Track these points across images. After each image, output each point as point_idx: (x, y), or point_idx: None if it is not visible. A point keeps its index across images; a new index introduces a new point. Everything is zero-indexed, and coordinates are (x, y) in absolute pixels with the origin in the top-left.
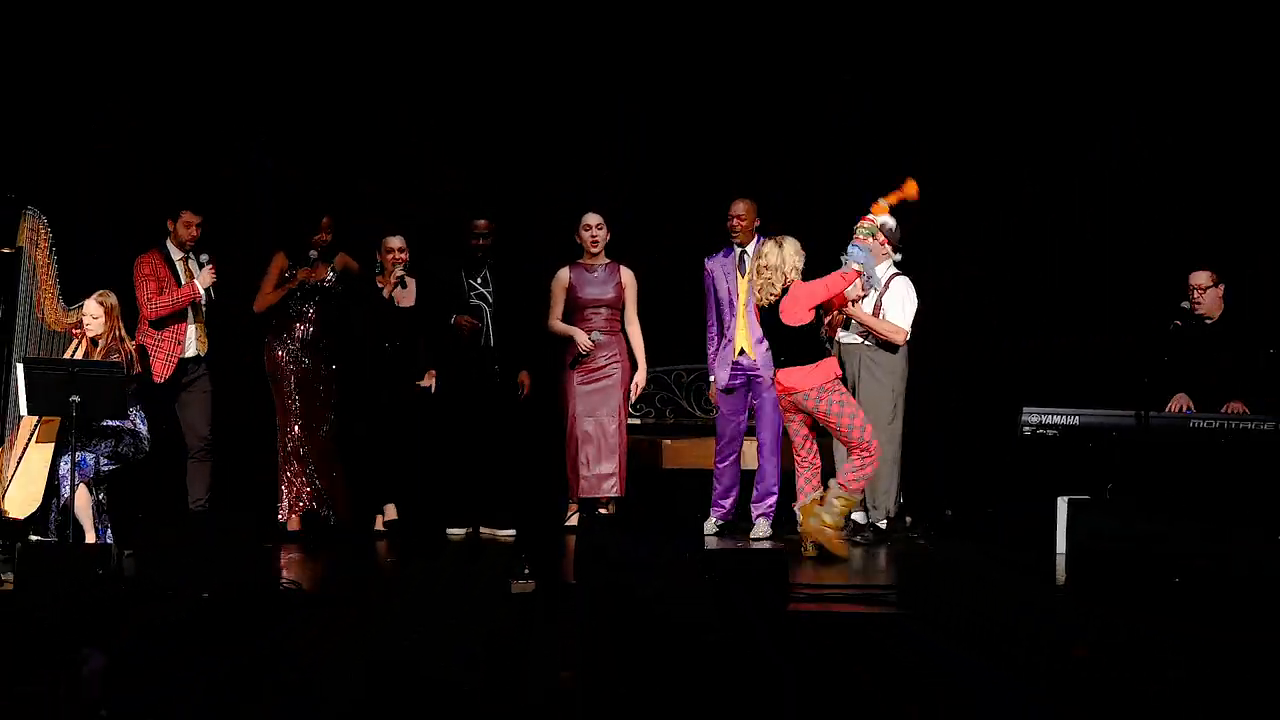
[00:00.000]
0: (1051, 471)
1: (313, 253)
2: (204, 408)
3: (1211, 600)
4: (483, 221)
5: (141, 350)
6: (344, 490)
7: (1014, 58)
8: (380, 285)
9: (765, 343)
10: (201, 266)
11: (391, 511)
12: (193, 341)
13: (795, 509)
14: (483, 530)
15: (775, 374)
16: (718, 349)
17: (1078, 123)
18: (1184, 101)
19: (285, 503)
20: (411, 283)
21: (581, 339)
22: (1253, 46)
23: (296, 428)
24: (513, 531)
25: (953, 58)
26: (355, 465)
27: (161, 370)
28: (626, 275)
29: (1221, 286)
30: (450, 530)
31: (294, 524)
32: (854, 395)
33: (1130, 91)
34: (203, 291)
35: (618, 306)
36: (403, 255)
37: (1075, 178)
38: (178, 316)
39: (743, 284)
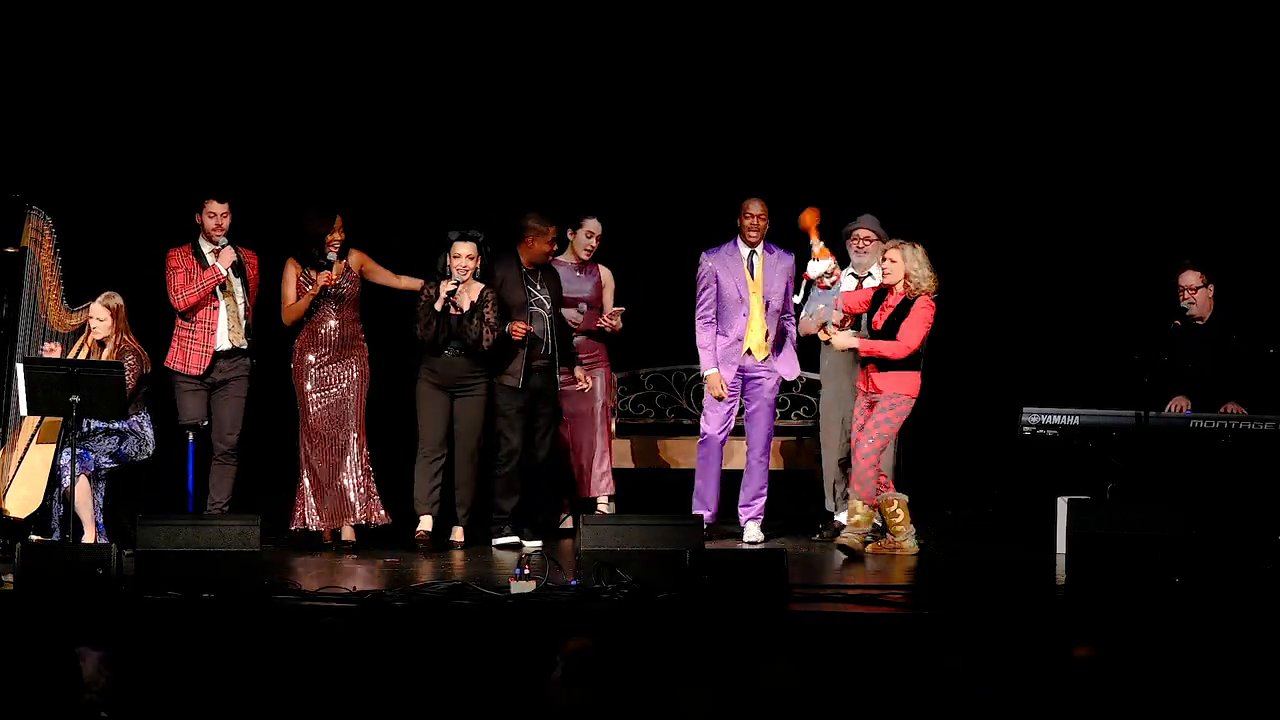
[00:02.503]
0: (1051, 471)
1: (331, 255)
2: (235, 411)
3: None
4: (552, 228)
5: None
6: (372, 499)
7: (1011, 57)
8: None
9: (776, 344)
10: (222, 248)
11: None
12: (224, 332)
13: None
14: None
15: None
16: (715, 345)
17: (1075, 120)
18: (1181, 100)
19: (300, 510)
20: (476, 289)
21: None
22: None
23: (319, 434)
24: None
25: (950, 57)
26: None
27: (199, 362)
28: (605, 274)
29: (1211, 286)
30: (498, 542)
31: (327, 536)
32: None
33: (1126, 91)
34: (224, 271)
35: (596, 306)
36: (471, 262)
37: (1075, 175)
38: (208, 308)
39: (754, 284)
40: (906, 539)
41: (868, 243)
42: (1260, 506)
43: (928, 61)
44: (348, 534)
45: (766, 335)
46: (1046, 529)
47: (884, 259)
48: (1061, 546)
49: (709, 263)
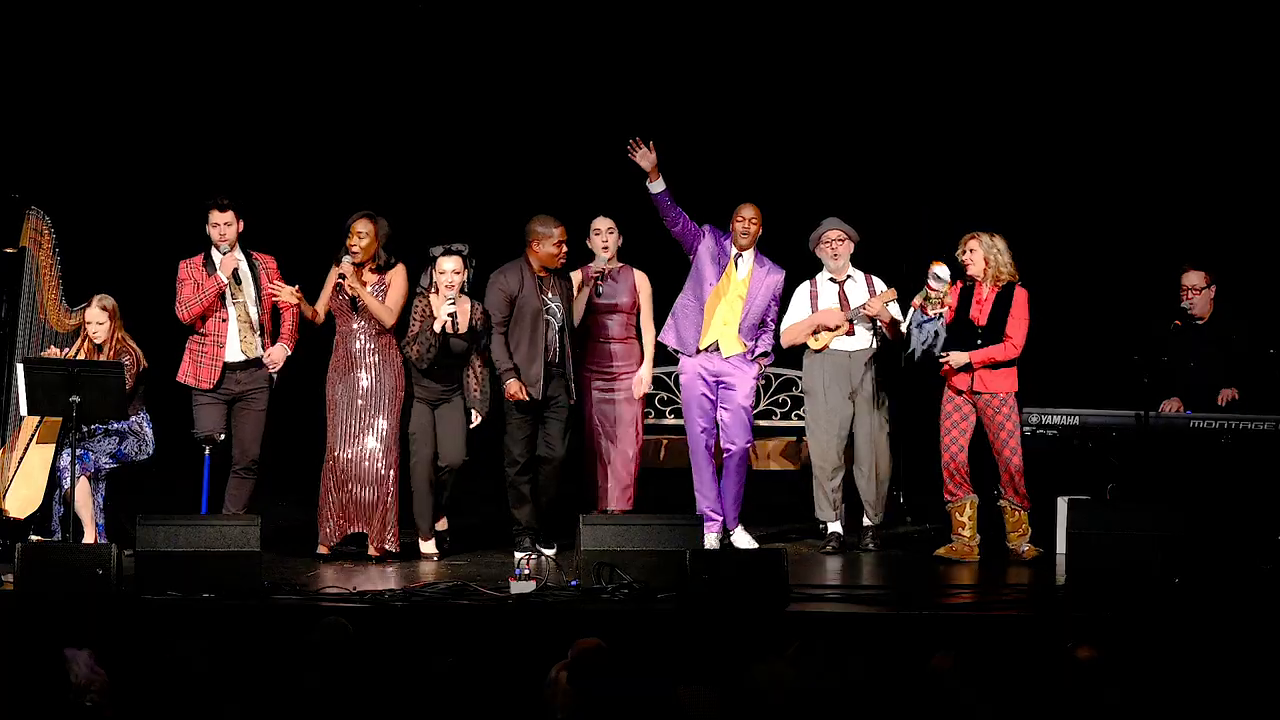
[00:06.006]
0: (1051, 471)
1: (349, 258)
2: (255, 425)
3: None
4: (559, 229)
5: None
6: (387, 515)
7: (1013, 58)
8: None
9: (757, 350)
10: (224, 255)
11: (443, 523)
12: (235, 343)
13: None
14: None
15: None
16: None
17: (1076, 122)
18: (1182, 101)
19: (327, 526)
20: (466, 305)
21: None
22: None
23: (340, 446)
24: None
25: (951, 58)
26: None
27: (209, 375)
28: (641, 278)
29: (1214, 287)
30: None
31: (323, 548)
32: (876, 401)
33: (1128, 92)
34: (224, 279)
35: (632, 311)
36: (458, 277)
37: (1075, 176)
38: (216, 319)
39: (738, 285)
40: (976, 543)
41: (840, 244)
42: (1260, 506)
43: (927, 62)
44: (373, 550)
45: (747, 337)
46: (1046, 529)
47: (962, 250)
48: (1061, 546)
49: (707, 233)
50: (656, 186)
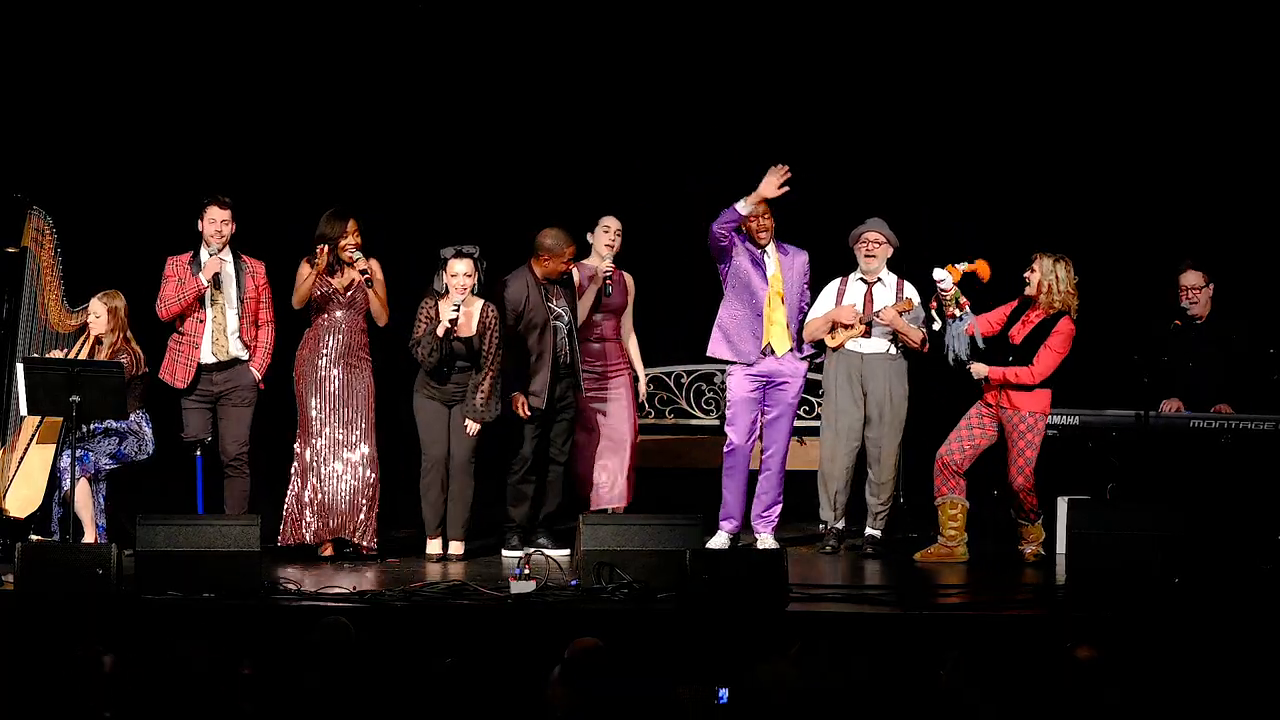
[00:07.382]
0: (1051, 471)
1: (354, 256)
2: (238, 422)
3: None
4: (570, 248)
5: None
6: (372, 517)
7: (1012, 57)
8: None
9: (800, 348)
10: (210, 256)
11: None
12: (208, 345)
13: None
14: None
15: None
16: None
17: (1076, 121)
18: (1181, 101)
19: (293, 524)
20: (476, 307)
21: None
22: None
23: (318, 443)
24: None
25: (952, 56)
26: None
27: (184, 375)
28: (630, 282)
29: (1211, 286)
30: (506, 553)
31: (325, 549)
32: (887, 407)
33: (1128, 92)
34: (205, 282)
35: (620, 313)
36: (469, 280)
37: (1075, 175)
38: (194, 319)
39: (772, 281)
40: (959, 545)
41: (876, 246)
42: (1260, 506)
43: (927, 62)
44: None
45: (794, 336)
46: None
47: (1028, 267)
48: (1061, 546)
49: (736, 242)
50: (748, 210)
